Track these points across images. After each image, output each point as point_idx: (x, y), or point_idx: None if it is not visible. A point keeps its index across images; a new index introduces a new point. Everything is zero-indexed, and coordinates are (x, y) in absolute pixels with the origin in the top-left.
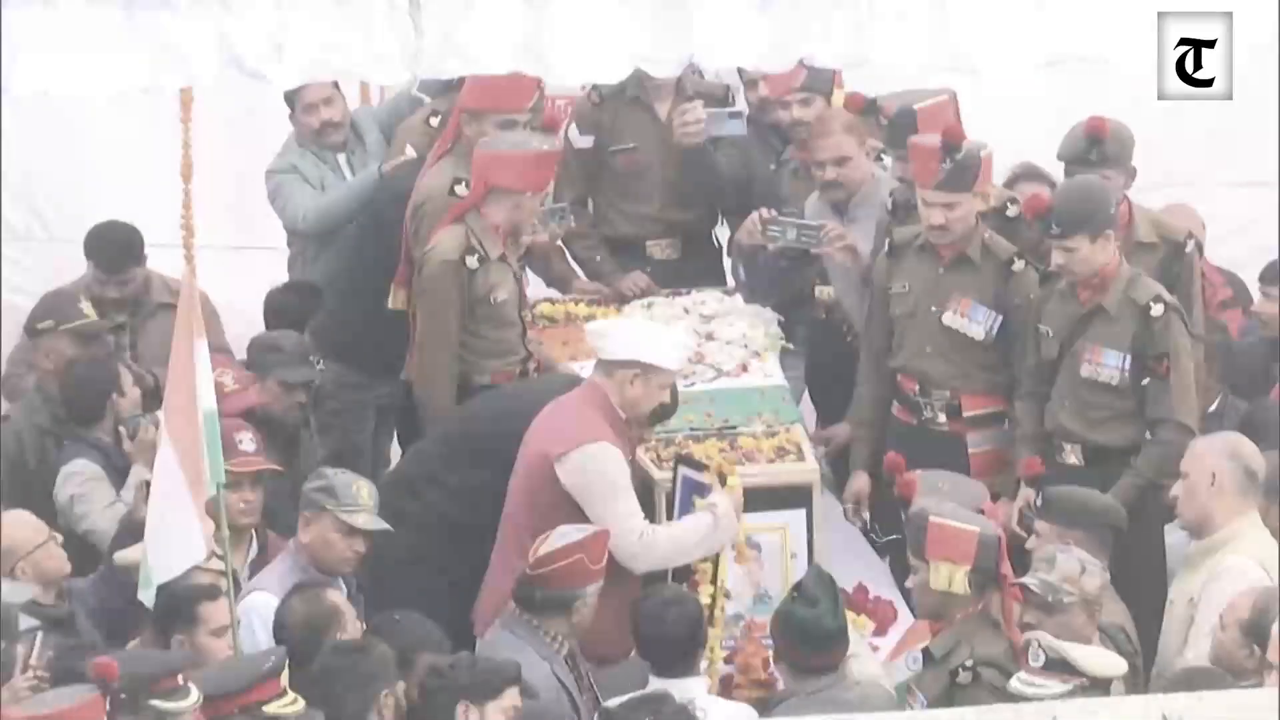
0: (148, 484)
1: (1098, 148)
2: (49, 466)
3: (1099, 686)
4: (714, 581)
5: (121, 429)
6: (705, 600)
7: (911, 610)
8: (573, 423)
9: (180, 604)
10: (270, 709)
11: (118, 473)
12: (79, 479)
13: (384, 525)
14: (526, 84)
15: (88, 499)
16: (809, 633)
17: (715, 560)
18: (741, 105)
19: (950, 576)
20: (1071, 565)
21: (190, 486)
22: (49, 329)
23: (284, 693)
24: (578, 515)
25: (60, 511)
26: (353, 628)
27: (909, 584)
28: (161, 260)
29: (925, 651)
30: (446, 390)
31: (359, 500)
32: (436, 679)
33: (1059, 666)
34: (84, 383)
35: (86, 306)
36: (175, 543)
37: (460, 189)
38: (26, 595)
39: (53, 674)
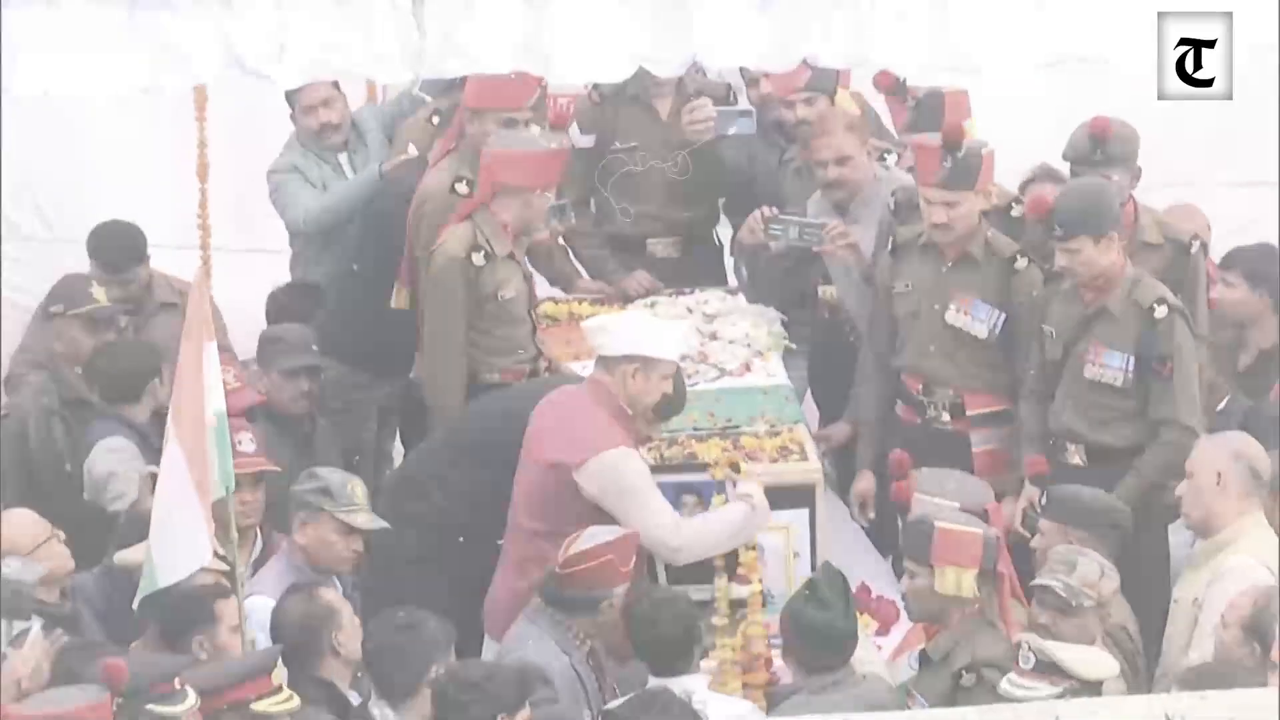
0: (153, 476)
1: (1102, 148)
2: (55, 445)
3: (1090, 689)
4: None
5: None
6: (756, 588)
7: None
8: (586, 429)
9: (197, 603)
10: (258, 706)
11: (154, 453)
12: (120, 456)
13: (383, 524)
14: (527, 82)
15: (127, 479)
16: (821, 635)
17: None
18: (744, 103)
19: (958, 581)
20: (1092, 569)
21: (197, 488)
22: (59, 313)
23: (276, 690)
24: (600, 518)
25: (92, 484)
26: (350, 625)
27: (903, 588)
28: (162, 260)
29: (922, 654)
30: (456, 388)
31: (355, 499)
32: (471, 691)
33: (1048, 669)
34: (127, 362)
35: (98, 292)
36: (180, 544)
37: (460, 187)
38: (38, 574)
39: (56, 672)
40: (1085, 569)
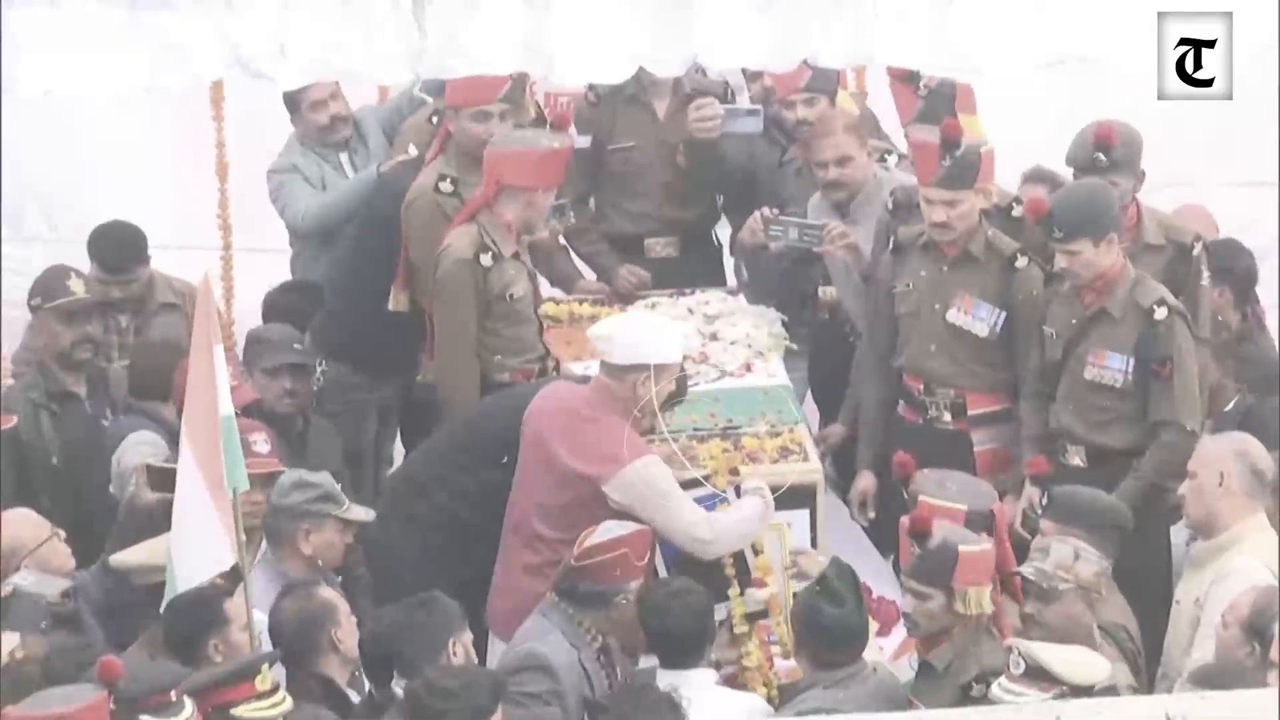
0: (148, 468)
1: (1105, 153)
2: (43, 439)
3: (1081, 693)
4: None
5: None
6: (773, 589)
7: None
8: (607, 440)
9: (210, 605)
10: (238, 711)
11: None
12: (148, 450)
13: (373, 512)
14: (496, 76)
15: None
16: (834, 632)
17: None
18: (744, 102)
19: (979, 599)
20: (1065, 552)
21: (211, 491)
22: (37, 306)
23: (267, 693)
24: (623, 518)
25: (119, 476)
26: (347, 623)
27: (907, 608)
28: (164, 261)
29: (923, 663)
30: (469, 389)
31: (343, 494)
32: (444, 699)
33: (1039, 674)
34: (159, 359)
35: (76, 284)
36: (197, 549)
37: (444, 185)
38: (58, 588)
39: (53, 672)
40: (1058, 552)
